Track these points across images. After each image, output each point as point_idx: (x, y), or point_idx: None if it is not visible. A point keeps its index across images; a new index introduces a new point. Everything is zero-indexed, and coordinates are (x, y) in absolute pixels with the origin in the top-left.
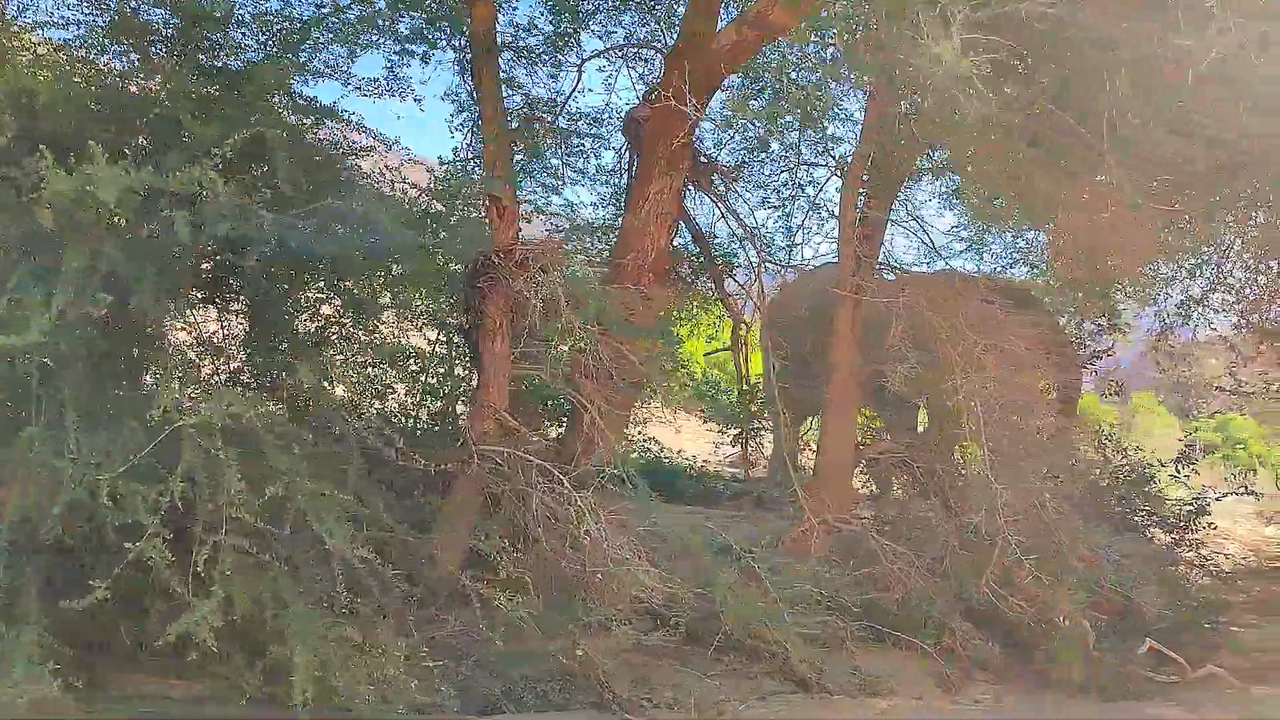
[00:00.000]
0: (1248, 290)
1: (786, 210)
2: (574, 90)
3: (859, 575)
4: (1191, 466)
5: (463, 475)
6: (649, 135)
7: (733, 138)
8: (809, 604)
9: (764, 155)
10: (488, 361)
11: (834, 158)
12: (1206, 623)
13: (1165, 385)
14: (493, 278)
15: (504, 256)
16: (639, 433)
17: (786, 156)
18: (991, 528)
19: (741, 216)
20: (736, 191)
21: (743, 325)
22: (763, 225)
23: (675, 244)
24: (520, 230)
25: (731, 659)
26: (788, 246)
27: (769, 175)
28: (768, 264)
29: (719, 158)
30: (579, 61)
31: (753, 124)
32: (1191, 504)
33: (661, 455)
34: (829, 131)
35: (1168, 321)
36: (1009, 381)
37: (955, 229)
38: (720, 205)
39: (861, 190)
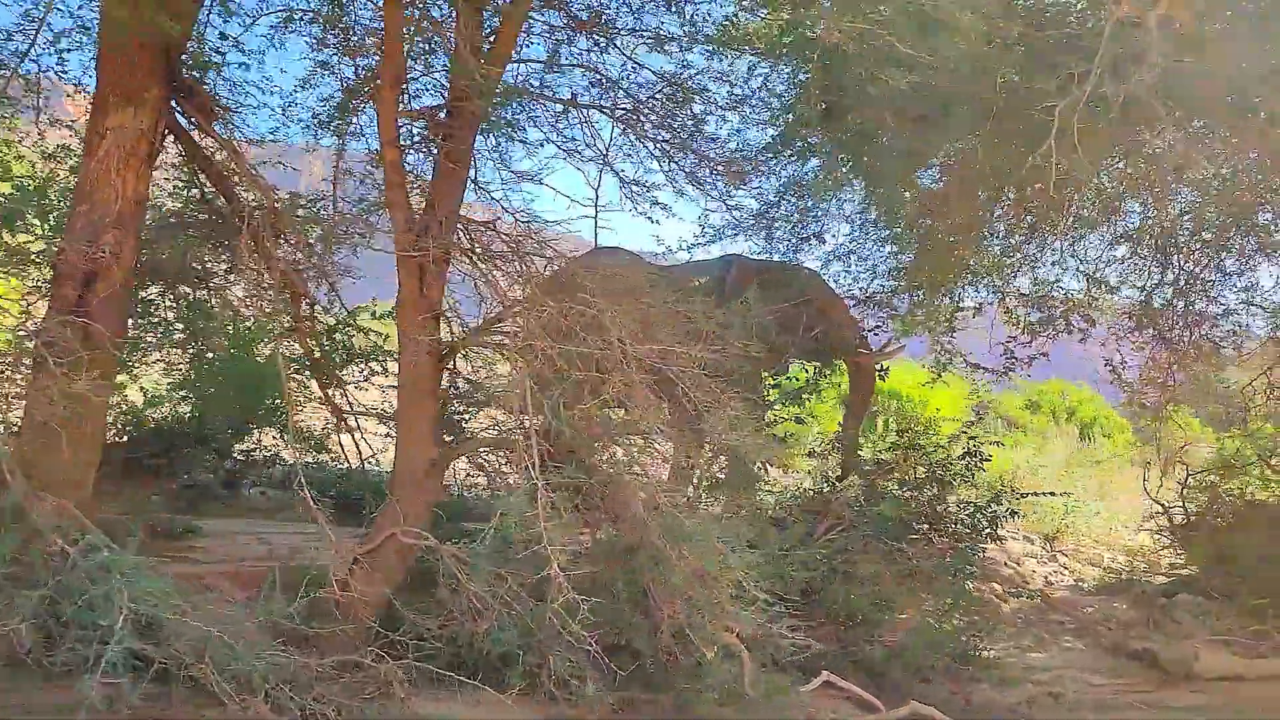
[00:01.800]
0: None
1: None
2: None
3: (440, 601)
4: (979, 464)
5: None
6: (100, 57)
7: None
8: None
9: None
10: None
11: (356, 69)
12: (971, 650)
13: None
14: None
15: None
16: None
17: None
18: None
19: (250, 165)
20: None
21: (308, 300)
22: None
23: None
24: None
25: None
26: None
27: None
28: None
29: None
30: None
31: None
32: (986, 509)
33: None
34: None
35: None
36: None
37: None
38: (226, 149)
39: (408, 118)
